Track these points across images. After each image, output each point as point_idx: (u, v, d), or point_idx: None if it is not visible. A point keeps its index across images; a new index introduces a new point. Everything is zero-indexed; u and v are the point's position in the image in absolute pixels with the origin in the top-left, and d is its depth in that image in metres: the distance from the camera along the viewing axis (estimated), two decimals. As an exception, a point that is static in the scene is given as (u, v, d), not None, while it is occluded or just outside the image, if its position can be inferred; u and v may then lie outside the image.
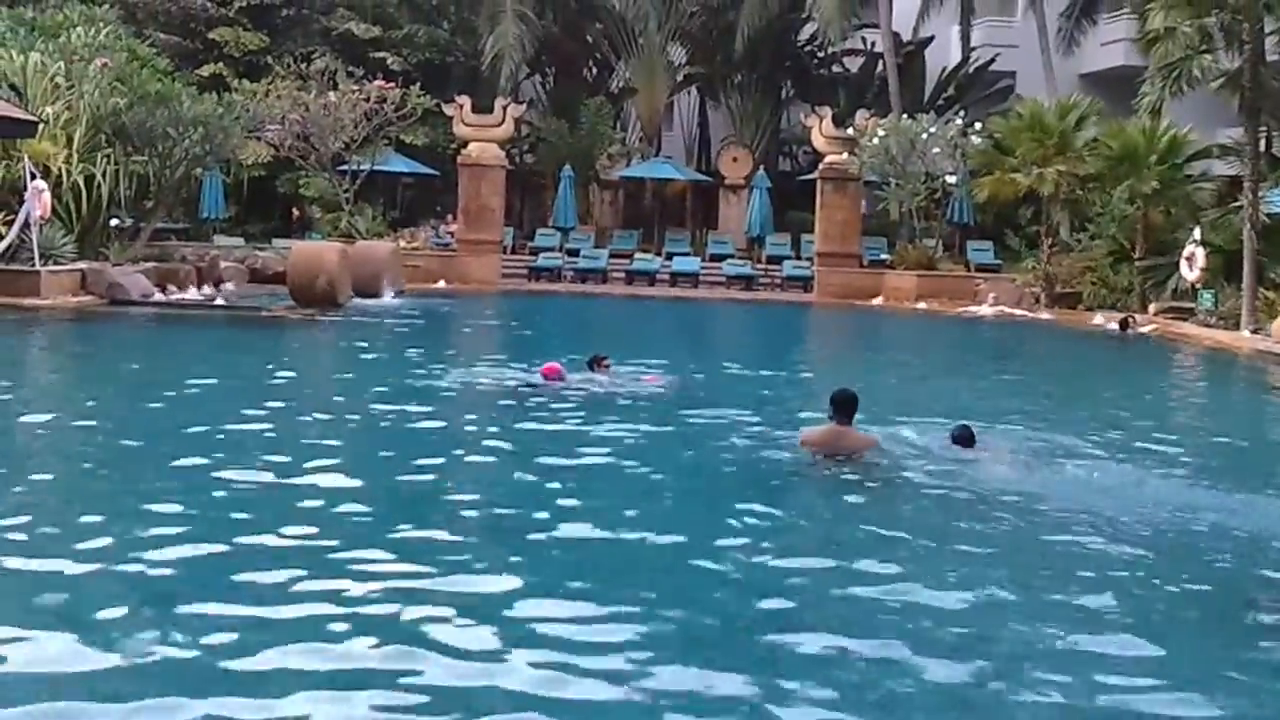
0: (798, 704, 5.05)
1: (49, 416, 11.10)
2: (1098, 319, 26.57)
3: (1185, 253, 26.07)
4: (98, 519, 7.35)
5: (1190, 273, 25.89)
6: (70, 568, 6.43)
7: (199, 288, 25.60)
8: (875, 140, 31.47)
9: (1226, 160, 28.63)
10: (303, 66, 33.54)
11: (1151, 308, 26.79)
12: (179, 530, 7.16)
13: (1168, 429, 13.39)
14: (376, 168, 34.22)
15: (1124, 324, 24.83)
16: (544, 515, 7.86)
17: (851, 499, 8.85)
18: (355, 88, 32.31)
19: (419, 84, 33.96)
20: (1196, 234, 25.97)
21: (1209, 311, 25.06)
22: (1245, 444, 12.73)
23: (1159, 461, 10.77)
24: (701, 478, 9.60)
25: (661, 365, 15.44)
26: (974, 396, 14.82)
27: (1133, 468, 10.35)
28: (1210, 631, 6.33)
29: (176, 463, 9.01)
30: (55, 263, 22.42)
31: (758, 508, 8.28)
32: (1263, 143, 25.88)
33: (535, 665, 5.26)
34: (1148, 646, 5.85)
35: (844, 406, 9.64)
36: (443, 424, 11.68)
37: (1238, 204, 25.90)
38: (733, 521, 7.89)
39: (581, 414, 11.86)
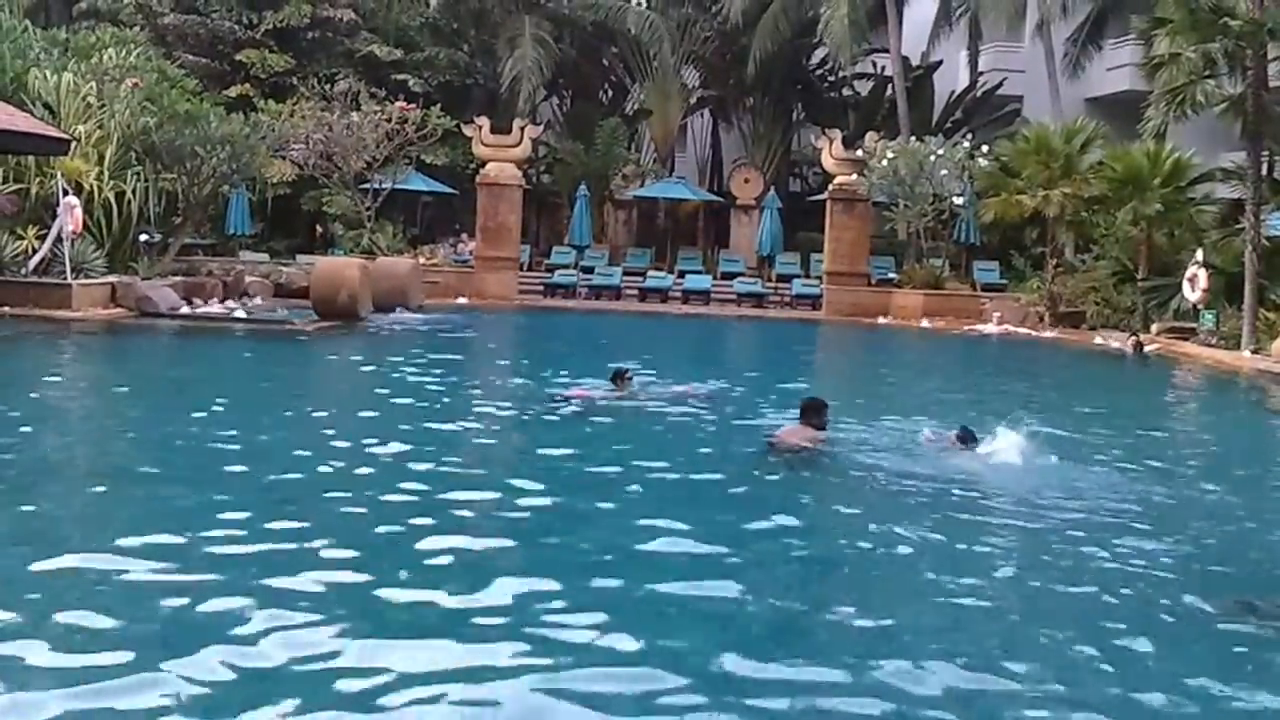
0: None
1: (90, 421, 11.66)
2: (1099, 339, 26.98)
3: (1188, 274, 26.29)
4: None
5: (1192, 293, 26.10)
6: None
7: (224, 301, 26.07)
8: (884, 162, 31.80)
9: (1229, 184, 28.78)
10: (327, 87, 34.11)
11: (1154, 327, 27.00)
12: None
13: (1166, 439, 14.03)
14: (397, 186, 34.73)
15: (1138, 346, 24.98)
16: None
17: (826, 488, 9.92)
18: (377, 108, 32.89)
19: (439, 105, 34.50)
20: (1199, 255, 26.23)
21: (1210, 331, 25.33)
22: (1237, 453, 13.26)
23: (1158, 469, 11.29)
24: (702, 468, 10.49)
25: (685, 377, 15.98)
26: (981, 407, 15.34)
27: (1128, 472, 10.89)
28: (1197, 632, 6.60)
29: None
30: (86, 276, 22.84)
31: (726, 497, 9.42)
32: (1265, 167, 26.08)
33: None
34: (1133, 645, 6.17)
35: (805, 410, 10.87)
36: (469, 431, 12.25)
37: (1240, 226, 26.15)
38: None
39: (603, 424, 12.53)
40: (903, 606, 6.67)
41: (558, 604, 6.36)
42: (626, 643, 5.82)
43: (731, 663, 5.59)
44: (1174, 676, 5.76)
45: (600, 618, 6.13)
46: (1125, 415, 16.01)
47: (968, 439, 11.08)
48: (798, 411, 11.14)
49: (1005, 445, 10.79)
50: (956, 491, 9.56)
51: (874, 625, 6.33)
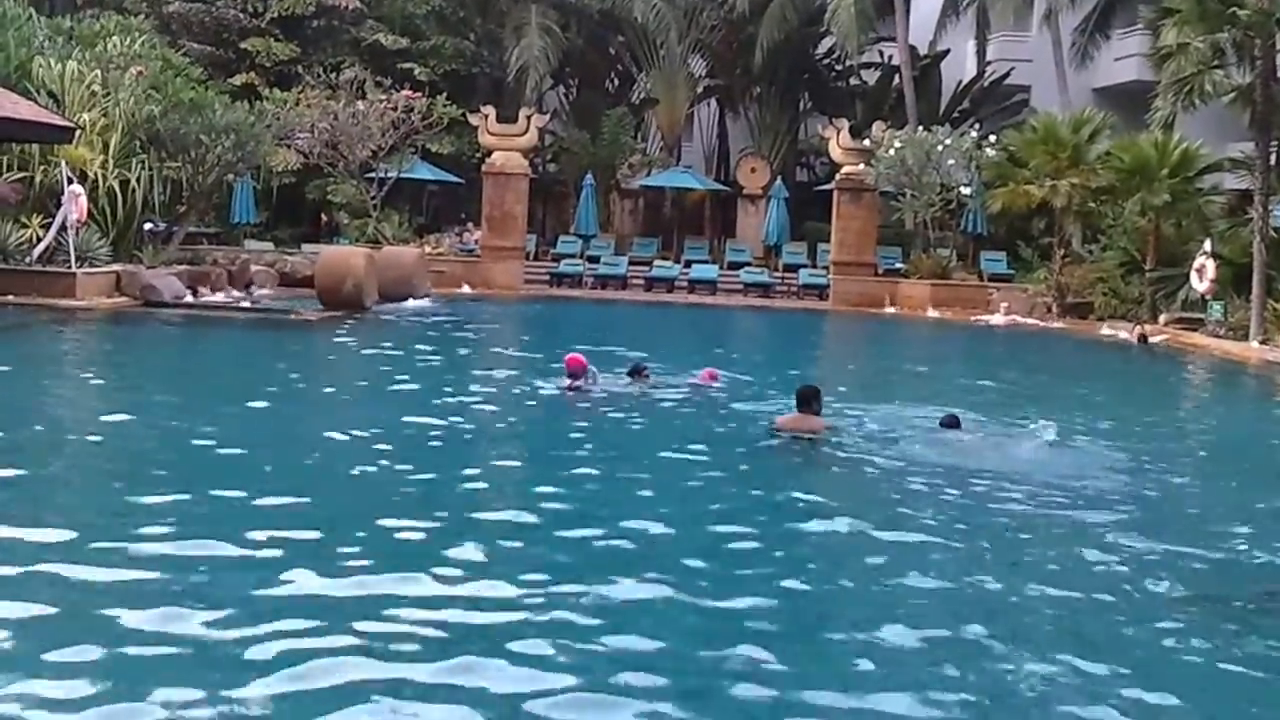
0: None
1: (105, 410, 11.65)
2: (1106, 329, 26.94)
3: (1195, 264, 26.23)
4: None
5: (1200, 284, 26.06)
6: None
7: (229, 291, 26.10)
8: (891, 152, 31.84)
9: (1237, 174, 28.72)
10: (332, 76, 34.03)
11: (1162, 318, 27.01)
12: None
13: (1172, 429, 14.07)
14: (403, 175, 34.74)
15: (1143, 338, 25.01)
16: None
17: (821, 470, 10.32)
18: (383, 97, 32.88)
19: (445, 94, 34.46)
20: (1207, 246, 26.19)
21: (1218, 322, 25.27)
22: (1244, 443, 13.29)
23: (1154, 454, 11.32)
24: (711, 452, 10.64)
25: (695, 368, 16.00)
26: (982, 396, 15.34)
27: (1121, 457, 10.95)
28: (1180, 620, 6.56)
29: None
30: (91, 265, 22.77)
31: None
32: (1273, 157, 25.99)
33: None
34: (1114, 632, 6.16)
35: (804, 399, 11.13)
36: (472, 422, 12.22)
37: (1248, 217, 26.18)
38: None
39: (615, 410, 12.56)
40: (897, 592, 6.66)
41: (565, 596, 6.32)
42: (634, 631, 5.81)
43: (733, 651, 5.57)
44: (1189, 669, 5.75)
45: (608, 605, 6.14)
46: (1129, 405, 15.99)
47: (952, 424, 11.47)
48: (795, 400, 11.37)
49: (999, 433, 10.92)
50: (957, 478, 9.63)
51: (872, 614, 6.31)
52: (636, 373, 14.06)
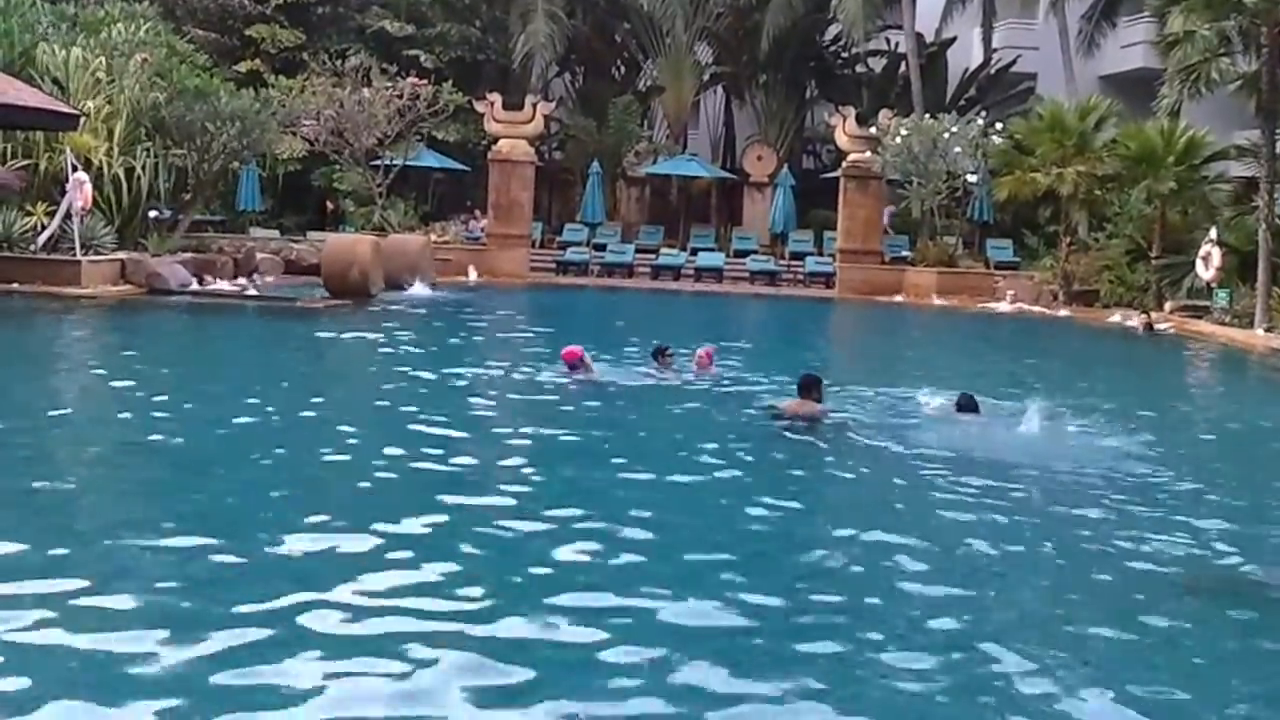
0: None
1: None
2: (1115, 317, 26.91)
3: (1201, 252, 26.23)
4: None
5: (1206, 272, 26.05)
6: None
7: (235, 278, 26.08)
8: (898, 139, 31.76)
9: (1243, 161, 28.76)
10: (338, 63, 34.04)
11: (1167, 306, 27.04)
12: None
13: (1172, 414, 14.07)
14: (409, 163, 34.74)
15: (1148, 325, 25.02)
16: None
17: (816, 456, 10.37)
18: (389, 84, 32.88)
19: (451, 81, 34.50)
20: (1213, 234, 26.15)
21: (1224, 310, 25.28)
22: (1242, 429, 13.29)
23: (1159, 441, 11.33)
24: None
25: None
26: (986, 381, 15.33)
27: (1126, 443, 10.95)
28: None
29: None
30: (96, 253, 22.77)
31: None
32: (1278, 144, 26.11)
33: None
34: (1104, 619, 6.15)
35: (805, 386, 11.48)
36: (477, 411, 12.25)
37: (1253, 205, 26.16)
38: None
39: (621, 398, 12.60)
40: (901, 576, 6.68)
41: (575, 584, 6.35)
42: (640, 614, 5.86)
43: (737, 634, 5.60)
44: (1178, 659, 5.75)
45: (607, 600, 6.14)
46: (1134, 393, 15.99)
47: (967, 407, 11.62)
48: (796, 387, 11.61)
49: (1004, 418, 11.03)
50: (959, 461, 9.69)
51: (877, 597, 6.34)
52: (660, 354, 14.19)
